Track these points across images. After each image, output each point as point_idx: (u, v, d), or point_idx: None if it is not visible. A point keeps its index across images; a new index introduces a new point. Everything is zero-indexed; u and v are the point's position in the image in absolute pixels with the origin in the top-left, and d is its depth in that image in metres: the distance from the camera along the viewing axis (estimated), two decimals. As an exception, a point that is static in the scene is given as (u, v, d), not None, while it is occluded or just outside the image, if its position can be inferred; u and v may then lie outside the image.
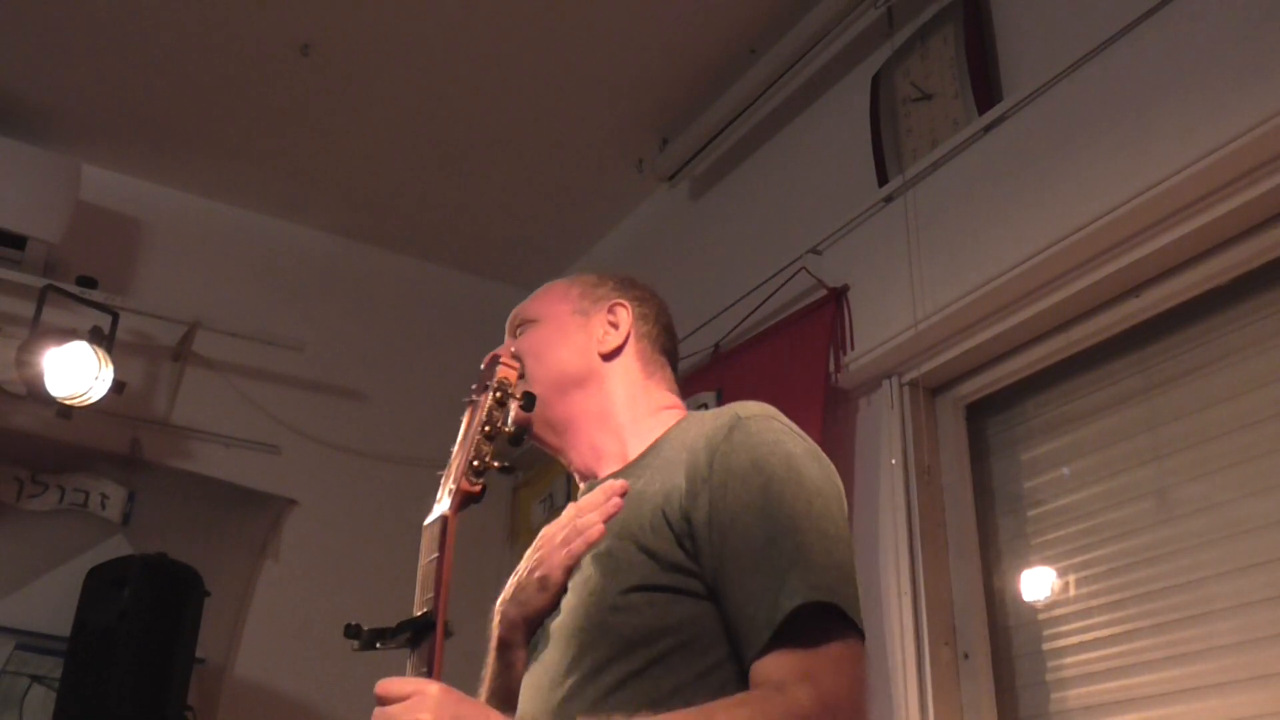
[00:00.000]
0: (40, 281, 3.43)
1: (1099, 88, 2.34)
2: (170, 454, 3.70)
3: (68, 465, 3.53)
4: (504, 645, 1.44)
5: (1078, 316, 2.45)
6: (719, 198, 3.68)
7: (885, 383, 2.75)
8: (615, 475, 1.40)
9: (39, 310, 3.37)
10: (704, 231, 3.70)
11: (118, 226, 3.90)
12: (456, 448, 1.32)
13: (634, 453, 1.43)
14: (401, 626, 1.22)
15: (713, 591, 1.21)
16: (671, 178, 3.69)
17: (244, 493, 3.76)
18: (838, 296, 2.85)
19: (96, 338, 3.33)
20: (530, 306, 1.58)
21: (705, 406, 3.12)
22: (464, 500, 1.30)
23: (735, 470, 1.24)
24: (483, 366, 1.46)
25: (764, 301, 3.08)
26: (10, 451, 3.44)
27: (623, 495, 1.33)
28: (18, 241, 3.48)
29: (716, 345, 3.24)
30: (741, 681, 1.17)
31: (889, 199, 2.80)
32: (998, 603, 2.53)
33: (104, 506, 3.54)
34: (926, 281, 2.61)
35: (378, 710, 1.14)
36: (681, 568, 1.22)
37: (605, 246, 4.28)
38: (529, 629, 1.38)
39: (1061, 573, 2.42)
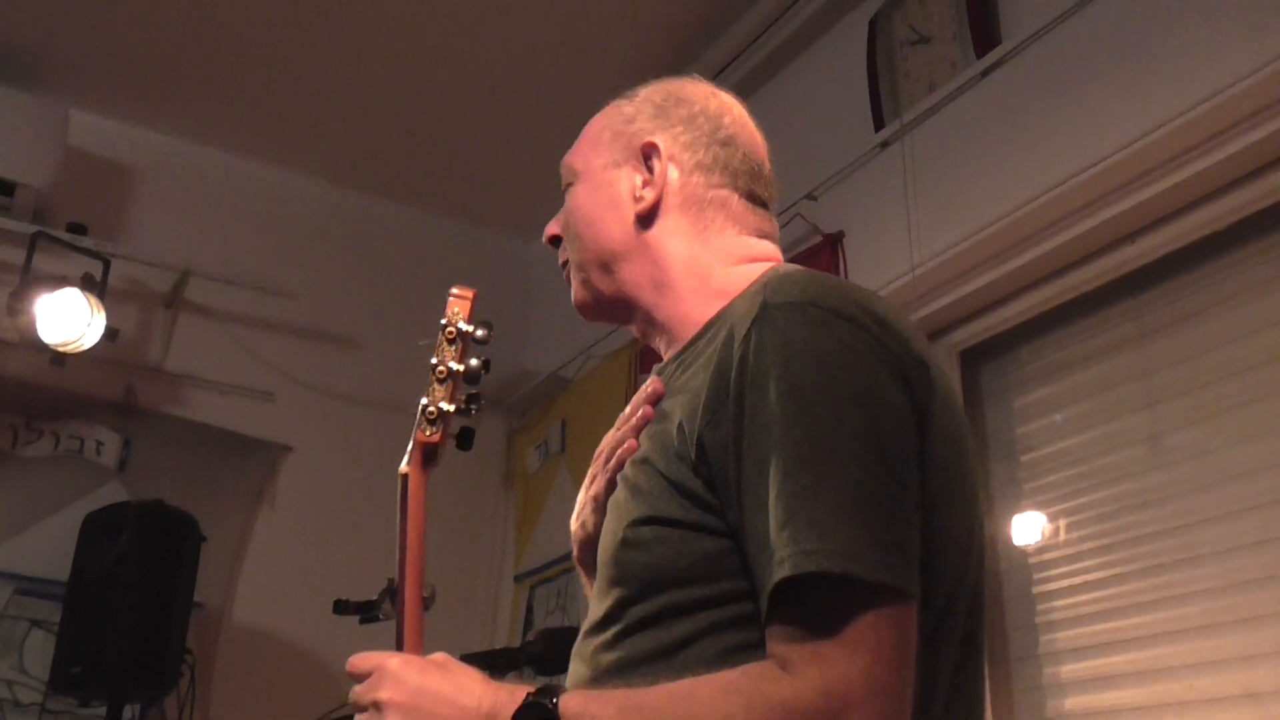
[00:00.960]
0: (30, 228, 3.41)
1: (1097, 32, 2.32)
2: (165, 401, 3.71)
3: (62, 412, 3.53)
4: (582, 566, 1.30)
5: (1073, 263, 2.45)
6: (714, 143, 3.65)
7: (880, 329, 2.75)
8: (674, 360, 1.19)
9: (29, 257, 3.35)
10: (699, 177, 3.68)
11: (107, 172, 3.87)
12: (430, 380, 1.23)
13: (697, 317, 1.19)
14: (381, 597, 1.18)
15: (734, 529, 0.99)
16: (666, 123, 3.65)
17: (239, 439, 3.77)
18: (833, 243, 2.84)
19: (88, 285, 3.32)
20: (568, 160, 1.34)
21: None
22: (426, 452, 1.21)
23: (751, 382, 0.98)
24: (545, 241, 1.32)
25: (759, 248, 3.06)
26: (4, 399, 3.44)
27: (656, 400, 1.14)
28: (6, 188, 3.46)
29: (711, 292, 3.23)
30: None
31: (885, 144, 2.78)
32: (989, 547, 2.56)
33: (99, 453, 3.55)
34: (922, 227, 2.60)
35: (352, 688, 1.09)
36: (698, 499, 1.01)
37: (599, 192, 4.25)
38: (593, 549, 1.16)
39: (1052, 517, 2.44)
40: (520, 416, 4.25)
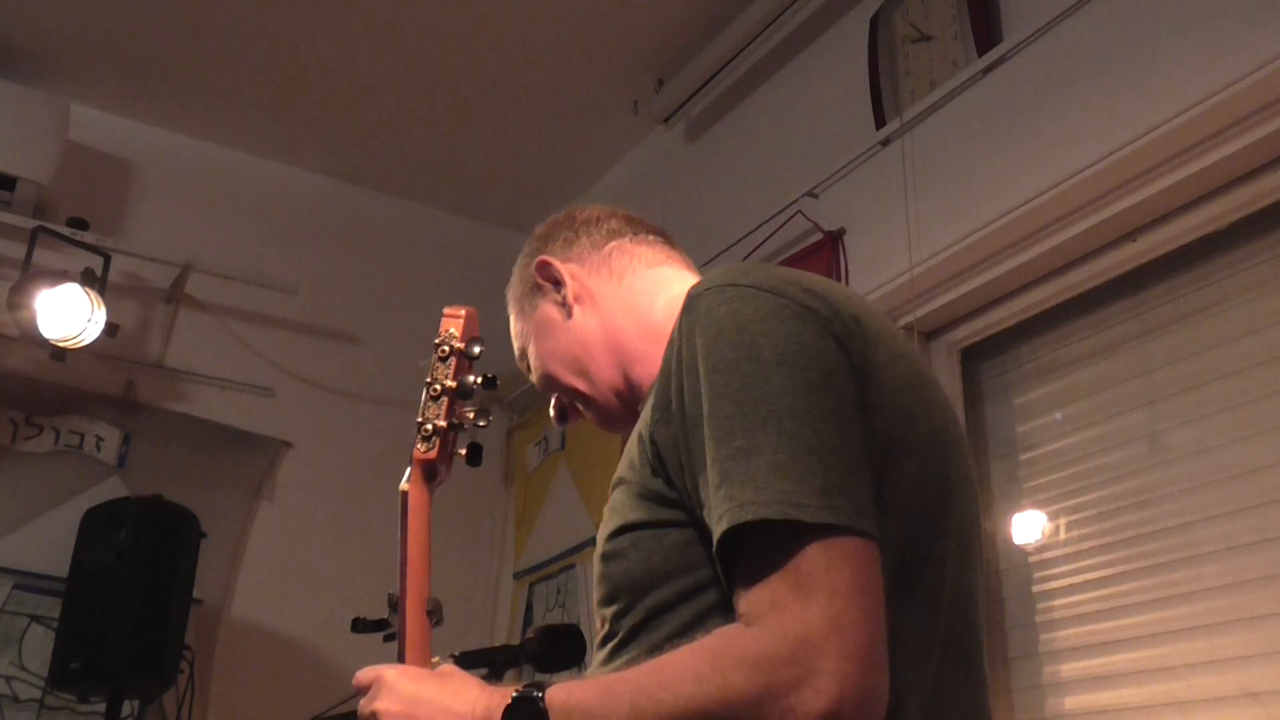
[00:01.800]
0: (31, 223, 3.41)
1: (1098, 31, 2.31)
2: (165, 396, 3.71)
3: (62, 407, 3.53)
4: None
5: (1073, 261, 2.44)
6: (715, 140, 3.65)
7: (880, 327, 2.75)
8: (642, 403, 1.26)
9: (30, 252, 3.35)
10: (700, 174, 3.68)
11: (108, 167, 3.87)
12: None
13: (647, 375, 1.28)
14: (391, 612, 1.20)
15: (696, 519, 1.00)
16: (667, 120, 3.66)
17: (239, 435, 3.77)
18: (834, 240, 2.84)
19: (88, 280, 3.31)
20: (516, 339, 1.45)
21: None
22: (425, 469, 1.25)
23: (687, 366, 1.01)
24: (554, 418, 1.41)
25: (760, 245, 3.06)
26: (4, 393, 3.44)
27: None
28: (7, 182, 3.46)
29: (711, 289, 3.23)
30: None
31: (886, 142, 2.78)
32: (988, 545, 2.55)
33: (99, 448, 3.55)
34: (923, 225, 2.60)
35: (359, 704, 1.12)
36: (661, 497, 1.04)
37: (600, 189, 4.25)
38: None
39: (1052, 516, 2.44)
40: (520, 414, 4.25)
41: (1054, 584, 2.39)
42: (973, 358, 2.73)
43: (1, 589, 3.33)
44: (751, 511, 0.89)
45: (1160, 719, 2.10)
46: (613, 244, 1.39)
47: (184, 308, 3.82)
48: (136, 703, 3.32)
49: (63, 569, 3.14)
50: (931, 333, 2.75)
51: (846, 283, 2.79)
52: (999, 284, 2.56)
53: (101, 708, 3.02)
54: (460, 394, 1.24)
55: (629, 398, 1.33)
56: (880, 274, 2.69)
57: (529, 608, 3.85)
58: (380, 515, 3.97)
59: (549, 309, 1.37)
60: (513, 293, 1.45)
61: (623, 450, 1.17)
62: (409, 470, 1.24)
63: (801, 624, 0.86)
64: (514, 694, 0.99)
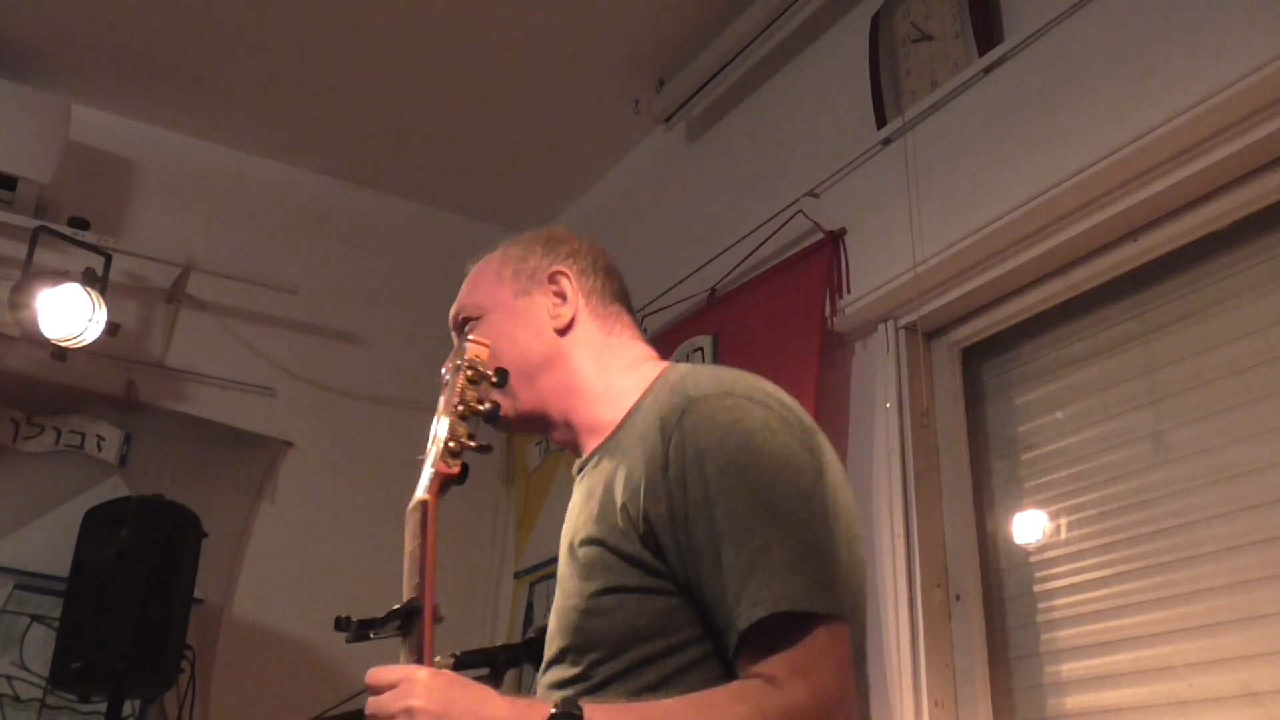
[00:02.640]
0: (32, 222, 3.41)
1: (1099, 30, 2.31)
2: (166, 396, 3.71)
3: (63, 407, 3.53)
4: None
5: (1075, 260, 2.44)
6: (716, 140, 3.65)
7: (881, 326, 2.75)
8: (596, 451, 1.39)
9: (31, 252, 3.35)
10: (700, 174, 3.68)
11: (109, 167, 3.87)
12: (433, 429, 1.31)
13: (611, 418, 1.39)
14: (390, 616, 1.21)
15: (684, 587, 1.20)
16: (668, 119, 3.66)
17: (240, 435, 3.77)
18: (835, 240, 2.84)
19: (89, 279, 3.32)
20: (469, 300, 1.52)
21: (700, 351, 3.14)
22: (443, 482, 1.29)
23: (689, 462, 1.19)
24: (444, 373, 1.42)
25: (761, 245, 3.06)
26: (5, 393, 3.44)
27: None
28: (8, 182, 3.46)
29: (713, 289, 3.23)
30: (726, 674, 1.17)
31: (887, 141, 2.78)
32: (990, 545, 2.55)
33: (100, 448, 3.55)
34: (924, 225, 2.60)
35: (370, 700, 1.14)
36: (649, 567, 1.21)
37: (601, 188, 4.25)
38: None
39: (1054, 516, 2.44)
40: (521, 413, 4.24)
41: (1055, 584, 2.39)
42: (974, 357, 2.73)
43: (3, 589, 3.33)
44: (783, 604, 1.12)
45: (1161, 719, 2.10)
46: (618, 305, 1.51)
47: (185, 307, 3.82)
48: (137, 702, 3.32)
49: (64, 569, 3.14)
50: (933, 332, 2.75)
51: (848, 282, 2.79)
52: (1000, 283, 2.56)
53: (102, 707, 3.02)
54: (489, 419, 1.30)
55: (538, 424, 1.47)
56: (881, 274, 2.69)
57: (529, 607, 3.85)
58: (380, 515, 3.98)
59: (540, 307, 1.47)
60: (506, 254, 1.53)
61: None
62: (426, 481, 1.28)
63: (824, 687, 1.12)
64: (551, 710, 1.11)
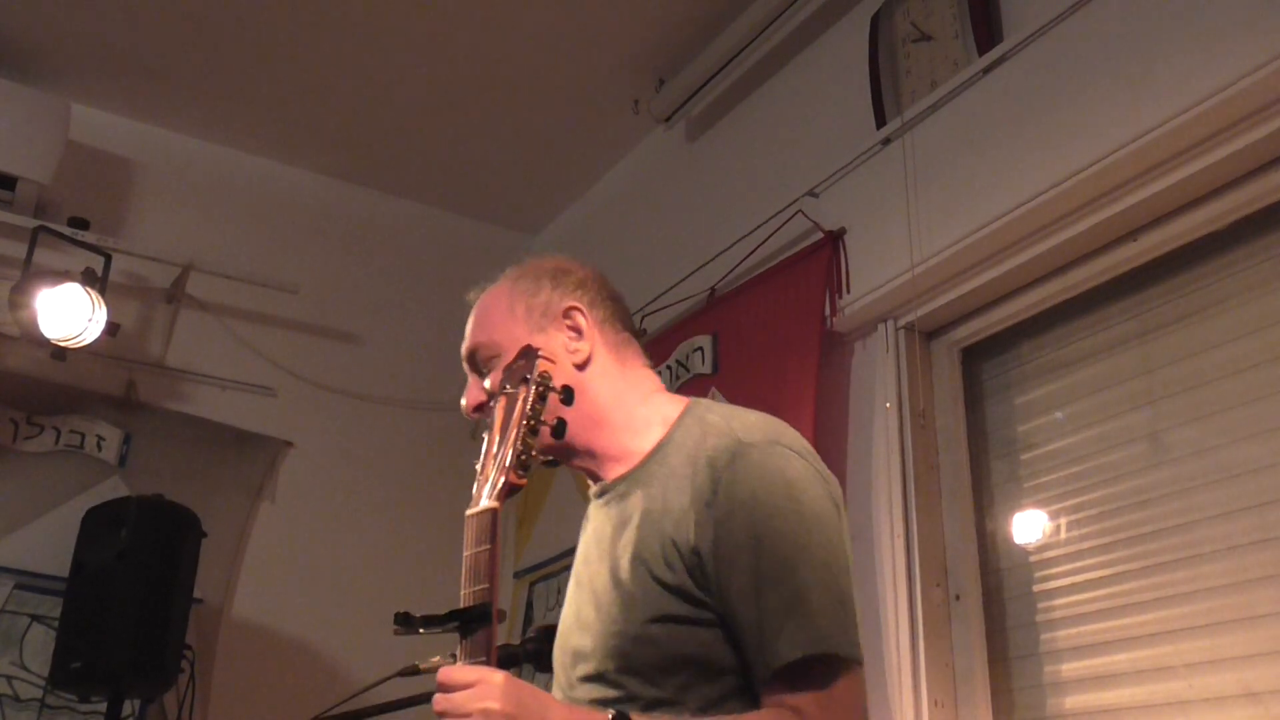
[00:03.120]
0: (32, 222, 3.41)
1: (1099, 30, 2.31)
2: (166, 396, 3.71)
3: (63, 407, 3.53)
4: None
5: (1074, 260, 2.44)
6: (716, 139, 3.65)
7: (881, 326, 2.75)
8: (623, 480, 1.44)
9: (30, 252, 3.35)
10: (700, 174, 3.68)
11: (109, 167, 3.87)
12: (493, 439, 1.31)
13: (635, 448, 1.45)
14: (453, 615, 1.24)
15: (722, 618, 1.29)
16: (668, 119, 3.66)
17: (240, 435, 3.77)
18: (834, 240, 2.84)
19: (89, 279, 3.31)
20: (485, 338, 1.54)
21: (700, 351, 3.14)
22: (509, 492, 1.31)
23: (737, 504, 1.29)
24: (469, 415, 1.52)
25: (760, 245, 3.06)
26: (5, 393, 3.44)
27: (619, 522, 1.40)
28: (7, 182, 3.46)
29: (712, 289, 3.23)
30: (755, 702, 1.28)
31: (887, 141, 2.78)
32: (989, 545, 2.56)
33: (100, 448, 3.55)
34: (923, 225, 2.60)
35: (439, 696, 1.17)
36: (694, 598, 1.30)
37: (601, 189, 4.25)
38: None
39: (1053, 515, 2.44)
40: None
41: (1055, 583, 2.39)
42: (973, 357, 2.73)
43: (2, 589, 3.33)
44: (818, 647, 1.24)
45: (1161, 718, 2.10)
46: (626, 332, 1.56)
47: (185, 307, 3.82)
48: (137, 702, 3.32)
49: (64, 569, 3.14)
50: (932, 332, 2.75)
51: (847, 282, 2.79)
52: (1000, 283, 2.56)
53: (102, 707, 3.02)
54: (556, 435, 1.32)
55: (564, 453, 1.49)
56: (881, 273, 2.69)
57: (529, 607, 3.85)
58: (380, 515, 3.99)
59: (556, 343, 1.49)
60: (514, 289, 1.54)
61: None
62: (497, 489, 1.28)
63: None
64: (610, 715, 1.22)
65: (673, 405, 1.49)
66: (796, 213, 2.95)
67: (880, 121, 2.84)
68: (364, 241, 4.28)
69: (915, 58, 2.81)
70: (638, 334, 1.60)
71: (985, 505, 2.59)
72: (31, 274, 3.29)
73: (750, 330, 3.00)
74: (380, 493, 4.00)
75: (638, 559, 1.34)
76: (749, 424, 1.37)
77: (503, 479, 1.27)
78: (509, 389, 1.33)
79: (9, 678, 3.28)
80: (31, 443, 3.48)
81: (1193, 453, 2.18)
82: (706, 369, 3.11)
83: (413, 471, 4.07)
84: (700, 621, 1.29)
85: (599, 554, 1.44)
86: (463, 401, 1.54)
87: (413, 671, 1.46)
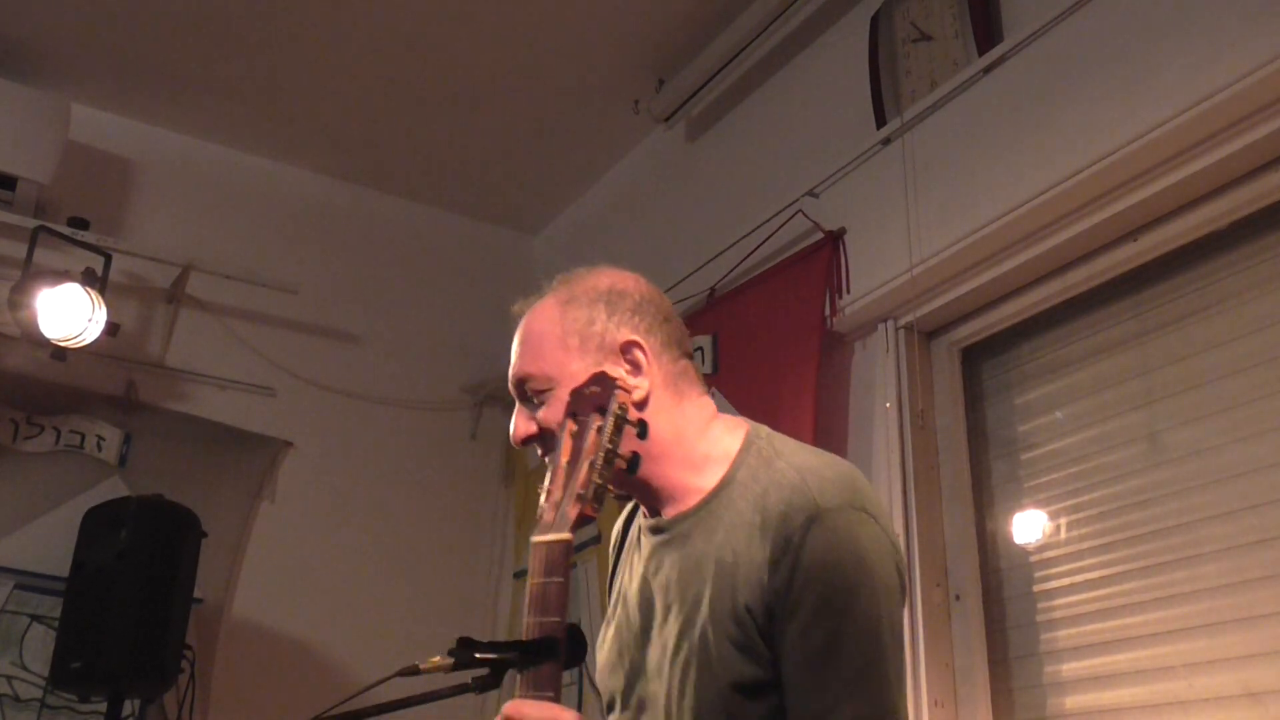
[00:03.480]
0: (31, 222, 3.41)
1: (1099, 30, 2.31)
2: (166, 396, 3.71)
3: (63, 407, 3.53)
4: None
5: (1073, 261, 2.44)
6: (715, 139, 3.65)
7: (881, 326, 2.75)
8: (685, 519, 1.40)
9: (30, 252, 3.35)
10: (700, 174, 3.68)
11: (109, 167, 3.87)
12: (559, 466, 1.28)
13: (696, 485, 1.40)
14: (518, 645, 1.21)
15: (781, 678, 1.28)
16: (668, 119, 3.66)
17: (240, 435, 3.77)
18: (834, 240, 2.84)
19: (89, 279, 3.32)
20: (535, 369, 1.45)
21: (701, 351, 3.13)
22: (581, 523, 1.28)
23: (812, 575, 1.27)
24: (517, 445, 1.45)
25: (760, 245, 3.06)
26: (5, 393, 3.44)
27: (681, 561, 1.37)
28: (7, 182, 3.46)
29: (712, 289, 3.23)
30: None
31: (887, 141, 2.78)
32: (989, 545, 2.56)
33: (100, 448, 3.55)
34: (923, 225, 2.60)
35: None
36: (760, 656, 1.28)
37: (601, 189, 4.25)
38: None
39: (1053, 516, 2.44)
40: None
41: (1054, 583, 2.39)
42: (973, 357, 2.73)
43: (2, 589, 3.33)
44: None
45: (1161, 718, 2.10)
46: (684, 359, 1.48)
47: (185, 307, 3.82)
48: (137, 702, 3.32)
49: (64, 569, 3.14)
50: (932, 332, 2.75)
51: (847, 282, 2.79)
52: (999, 283, 2.56)
53: (102, 707, 3.02)
54: (630, 469, 1.28)
55: (627, 485, 1.44)
56: (881, 273, 2.69)
57: (530, 607, 3.85)
58: (381, 516, 3.99)
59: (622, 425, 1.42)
60: (566, 315, 1.46)
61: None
62: (557, 518, 1.24)
63: None
64: None
65: (732, 436, 1.43)
66: (796, 213, 2.95)
67: (880, 121, 2.84)
68: (364, 241, 4.28)
69: (915, 58, 2.81)
70: (690, 352, 1.52)
71: (985, 505, 2.59)
72: (31, 274, 3.29)
73: (750, 330, 3.00)
74: (380, 493, 4.00)
75: (714, 619, 1.31)
76: (824, 481, 1.32)
77: (577, 510, 1.23)
78: (580, 416, 1.29)
79: (9, 678, 3.28)
80: (31, 443, 3.48)
81: (1192, 453, 2.18)
82: (706, 369, 3.11)
83: (413, 471, 4.07)
84: (768, 684, 1.28)
85: (664, 599, 1.40)
86: (510, 430, 1.47)
87: (413, 671, 1.45)
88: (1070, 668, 2.31)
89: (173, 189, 3.96)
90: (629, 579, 1.50)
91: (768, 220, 3.04)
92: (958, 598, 2.52)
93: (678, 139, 3.81)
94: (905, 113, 2.73)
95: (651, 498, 1.44)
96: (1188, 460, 2.19)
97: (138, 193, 3.89)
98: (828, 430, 2.77)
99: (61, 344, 3.25)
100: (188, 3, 3.42)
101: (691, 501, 1.40)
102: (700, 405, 1.46)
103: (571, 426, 1.28)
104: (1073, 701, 2.28)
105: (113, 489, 3.47)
